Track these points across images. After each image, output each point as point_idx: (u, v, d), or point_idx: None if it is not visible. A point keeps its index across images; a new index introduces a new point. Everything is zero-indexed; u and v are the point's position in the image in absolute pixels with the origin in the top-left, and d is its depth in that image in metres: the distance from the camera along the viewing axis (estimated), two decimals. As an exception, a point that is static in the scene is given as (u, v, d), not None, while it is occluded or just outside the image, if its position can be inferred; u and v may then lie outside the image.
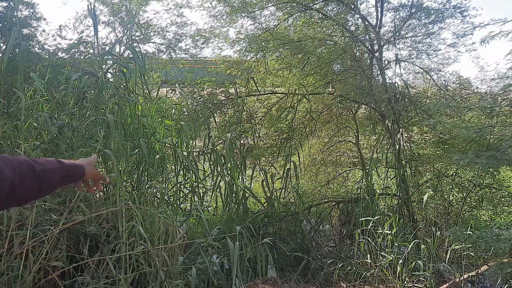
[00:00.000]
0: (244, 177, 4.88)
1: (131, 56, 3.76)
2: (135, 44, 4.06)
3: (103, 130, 3.05)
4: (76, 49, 5.60)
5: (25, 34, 4.96)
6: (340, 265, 3.67)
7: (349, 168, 6.32)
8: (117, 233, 2.71)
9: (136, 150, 3.47)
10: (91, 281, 2.49)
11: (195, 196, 4.26)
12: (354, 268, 3.62)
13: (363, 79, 4.82)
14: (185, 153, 4.12)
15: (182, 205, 4.25)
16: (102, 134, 3.00)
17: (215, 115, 5.50)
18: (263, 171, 4.88)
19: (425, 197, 3.96)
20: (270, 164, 5.53)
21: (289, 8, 4.97)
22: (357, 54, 5.15)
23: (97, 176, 1.25)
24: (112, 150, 2.80)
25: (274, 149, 5.64)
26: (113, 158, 2.77)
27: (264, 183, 4.72)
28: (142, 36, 6.20)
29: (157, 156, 3.70)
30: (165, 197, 3.82)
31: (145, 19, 6.74)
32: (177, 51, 6.71)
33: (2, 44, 4.11)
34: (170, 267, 2.77)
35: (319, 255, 4.55)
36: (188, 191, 4.37)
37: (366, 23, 5.02)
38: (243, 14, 5.10)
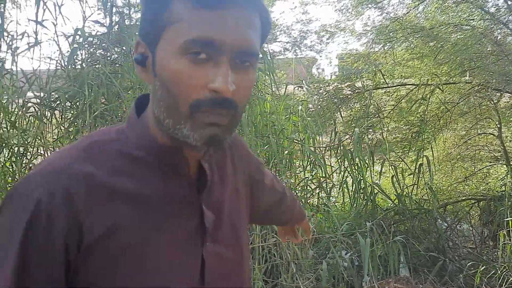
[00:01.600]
0: (372, 173, 4.76)
1: (259, 56, 3.91)
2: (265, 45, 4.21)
3: (235, 127, 3.22)
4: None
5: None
6: (482, 268, 3.39)
7: (490, 164, 5.78)
8: (250, 225, 2.86)
9: (266, 146, 3.60)
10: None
11: (322, 191, 4.28)
12: (499, 272, 3.32)
13: (506, 64, 4.37)
14: (312, 149, 4.17)
15: (309, 200, 4.30)
16: (235, 131, 3.17)
17: (341, 110, 5.45)
18: (392, 166, 4.71)
19: None
20: (400, 159, 5.31)
21: (419, -6, 4.72)
22: (498, 38, 4.69)
23: (307, 227, 1.35)
24: (244, 146, 2.96)
25: (405, 143, 5.40)
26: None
27: (394, 178, 4.55)
28: (268, 36, 6.40)
29: (286, 152, 3.80)
30: (294, 192, 3.91)
31: (272, 19, 6.93)
32: (302, 48, 6.80)
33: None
34: (301, 259, 2.84)
35: (457, 256, 4.24)
36: (315, 187, 4.40)
37: (510, 2, 4.53)
38: (370, 5, 4.98)
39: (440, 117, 5.24)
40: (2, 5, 3.06)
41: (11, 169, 3.17)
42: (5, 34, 3.08)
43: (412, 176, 4.79)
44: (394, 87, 5.65)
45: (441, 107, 5.22)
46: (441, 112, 5.24)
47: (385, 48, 5.23)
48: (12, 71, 3.13)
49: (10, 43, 3.11)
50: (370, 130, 5.11)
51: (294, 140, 4.08)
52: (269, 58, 3.69)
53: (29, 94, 3.24)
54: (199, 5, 0.62)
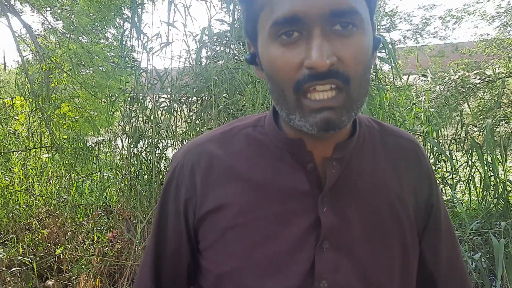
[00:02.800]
0: (504, 169, 4.35)
1: (380, 46, 3.79)
2: (385, 34, 4.08)
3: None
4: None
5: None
6: None
7: None
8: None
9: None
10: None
11: (447, 187, 4.02)
12: None
13: None
14: (436, 141, 3.94)
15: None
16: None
17: (469, 100, 5.06)
18: (530, 162, 4.26)
19: None
20: (541, 154, 4.78)
21: None
22: None
23: None
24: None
25: (546, 136, 4.84)
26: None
27: (532, 175, 4.12)
28: (388, 24, 6.16)
29: (407, 145, 3.63)
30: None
31: (391, 6, 6.69)
32: (424, 36, 6.44)
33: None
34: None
35: None
36: (438, 182, 4.16)
37: None
38: (504, -15, 4.53)
39: None
40: (139, 10, 3.38)
41: (145, 159, 3.51)
42: (142, 36, 3.40)
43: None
44: (532, 74, 5.10)
45: None
46: None
47: (522, 31, 4.73)
48: (147, 69, 3.45)
49: (146, 44, 3.43)
50: (503, 122, 4.66)
51: (417, 133, 3.89)
52: (389, 47, 3.56)
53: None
54: None
